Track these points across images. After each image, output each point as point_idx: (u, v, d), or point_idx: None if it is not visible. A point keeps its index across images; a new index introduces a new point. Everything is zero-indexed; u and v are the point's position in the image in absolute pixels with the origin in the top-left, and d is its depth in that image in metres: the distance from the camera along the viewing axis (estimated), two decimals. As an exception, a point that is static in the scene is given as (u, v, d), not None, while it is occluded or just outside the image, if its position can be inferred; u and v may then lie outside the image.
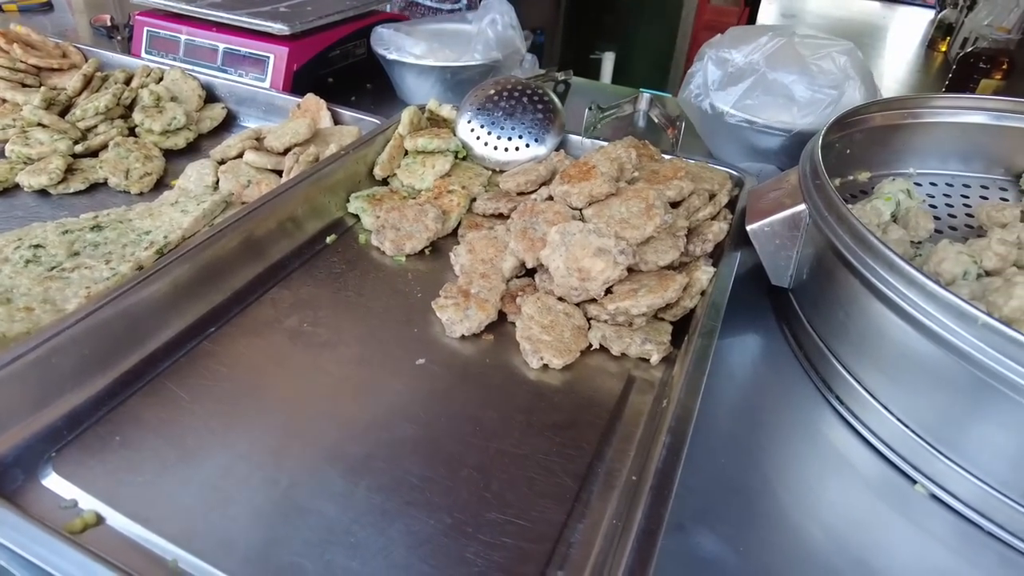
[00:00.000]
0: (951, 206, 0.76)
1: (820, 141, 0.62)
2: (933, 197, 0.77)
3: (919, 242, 0.68)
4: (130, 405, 0.50)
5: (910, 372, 0.48)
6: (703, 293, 0.58)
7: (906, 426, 0.48)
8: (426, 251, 0.68)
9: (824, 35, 0.78)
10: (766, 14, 2.88)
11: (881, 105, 0.70)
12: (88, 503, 0.43)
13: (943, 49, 2.17)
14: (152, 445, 0.47)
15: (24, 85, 0.89)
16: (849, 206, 0.71)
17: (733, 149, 0.82)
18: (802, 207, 0.58)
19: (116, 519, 0.42)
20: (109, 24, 1.17)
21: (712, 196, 0.67)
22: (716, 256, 0.63)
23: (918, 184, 0.79)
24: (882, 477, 0.49)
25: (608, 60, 2.53)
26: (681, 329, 0.58)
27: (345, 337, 0.57)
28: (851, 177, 0.79)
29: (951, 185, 0.80)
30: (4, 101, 0.87)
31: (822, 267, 0.56)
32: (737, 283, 0.68)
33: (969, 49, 1.53)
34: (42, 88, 0.84)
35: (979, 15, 1.82)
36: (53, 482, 0.44)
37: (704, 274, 0.58)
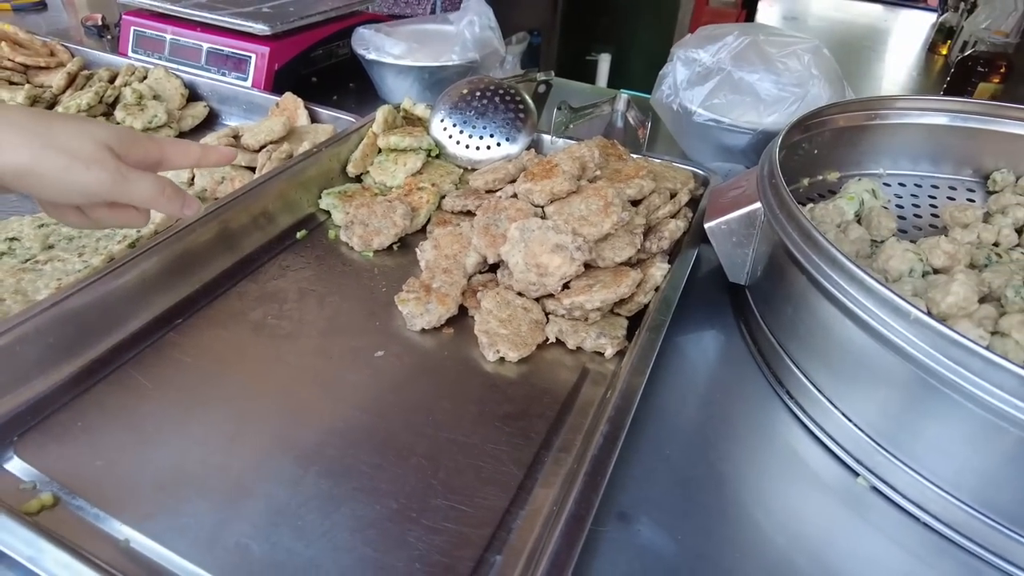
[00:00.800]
0: (918, 206, 0.77)
1: (780, 142, 0.62)
2: (901, 197, 0.78)
3: (881, 241, 0.68)
4: (94, 393, 0.52)
5: (853, 368, 0.49)
6: (657, 289, 0.59)
7: (850, 420, 0.49)
8: (394, 247, 0.70)
9: (791, 33, 0.78)
10: (766, 16, 2.87)
11: (841, 107, 0.71)
12: (47, 486, 0.44)
13: (944, 52, 2.16)
14: (112, 431, 0.49)
15: (11, 83, 0.91)
16: (812, 205, 0.72)
17: (704, 148, 0.83)
18: (757, 205, 0.59)
19: (73, 501, 0.44)
20: (100, 23, 1.19)
21: (673, 195, 0.68)
22: (676, 254, 0.64)
23: (887, 184, 0.80)
24: (828, 470, 0.50)
25: (604, 62, 2.54)
26: (638, 324, 0.59)
27: (307, 329, 0.59)
28: (820, 177, 0.79)
29: (920, 186, 0.80)
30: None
31: (774, 265, 0.57)
32: (700, 280, 0.69)
33: (968, 52, 1.53)
34: (26, 86, 0.86)
35: (977, 19, 1.81)
36: (14, 465, 0.46)
37: (659, 270, 0.59)
